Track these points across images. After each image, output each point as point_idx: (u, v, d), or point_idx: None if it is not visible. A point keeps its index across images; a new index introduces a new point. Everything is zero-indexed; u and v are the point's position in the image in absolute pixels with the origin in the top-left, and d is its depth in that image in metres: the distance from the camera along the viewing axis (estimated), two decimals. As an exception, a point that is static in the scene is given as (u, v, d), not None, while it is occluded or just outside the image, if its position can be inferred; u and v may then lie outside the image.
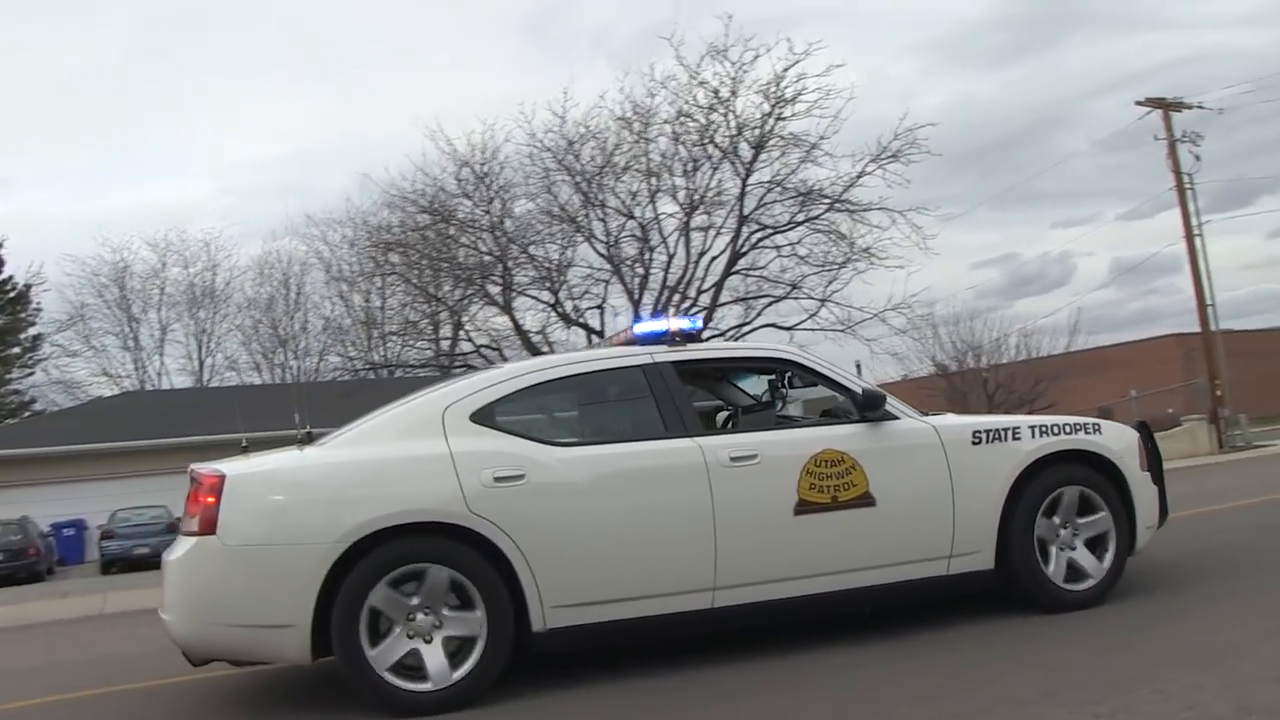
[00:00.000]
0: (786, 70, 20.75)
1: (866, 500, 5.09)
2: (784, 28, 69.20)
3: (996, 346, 34.69)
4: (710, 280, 22.60)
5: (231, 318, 46.12)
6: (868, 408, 5.26)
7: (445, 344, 28.79)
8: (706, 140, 21.60)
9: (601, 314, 23.08)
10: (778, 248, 22.29)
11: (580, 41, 61.15)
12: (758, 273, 22.72)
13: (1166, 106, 26.25)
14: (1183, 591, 5.56)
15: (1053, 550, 5.38)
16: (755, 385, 6.19)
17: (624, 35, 62.03)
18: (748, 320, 23.17)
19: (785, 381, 5.79)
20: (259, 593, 4.50)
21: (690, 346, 5.39)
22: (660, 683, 4.72)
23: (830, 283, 21.94)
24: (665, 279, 22.70)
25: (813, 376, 5.52)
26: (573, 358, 5.43)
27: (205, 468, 4.73)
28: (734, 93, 21.18)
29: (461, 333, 25.39)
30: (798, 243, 22.06)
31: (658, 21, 44.47)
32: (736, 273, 22.63)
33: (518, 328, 23.24)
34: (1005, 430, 5.40)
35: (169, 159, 73.70)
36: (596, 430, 5.32)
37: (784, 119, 21.18)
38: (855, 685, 4.37)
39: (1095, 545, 5.46)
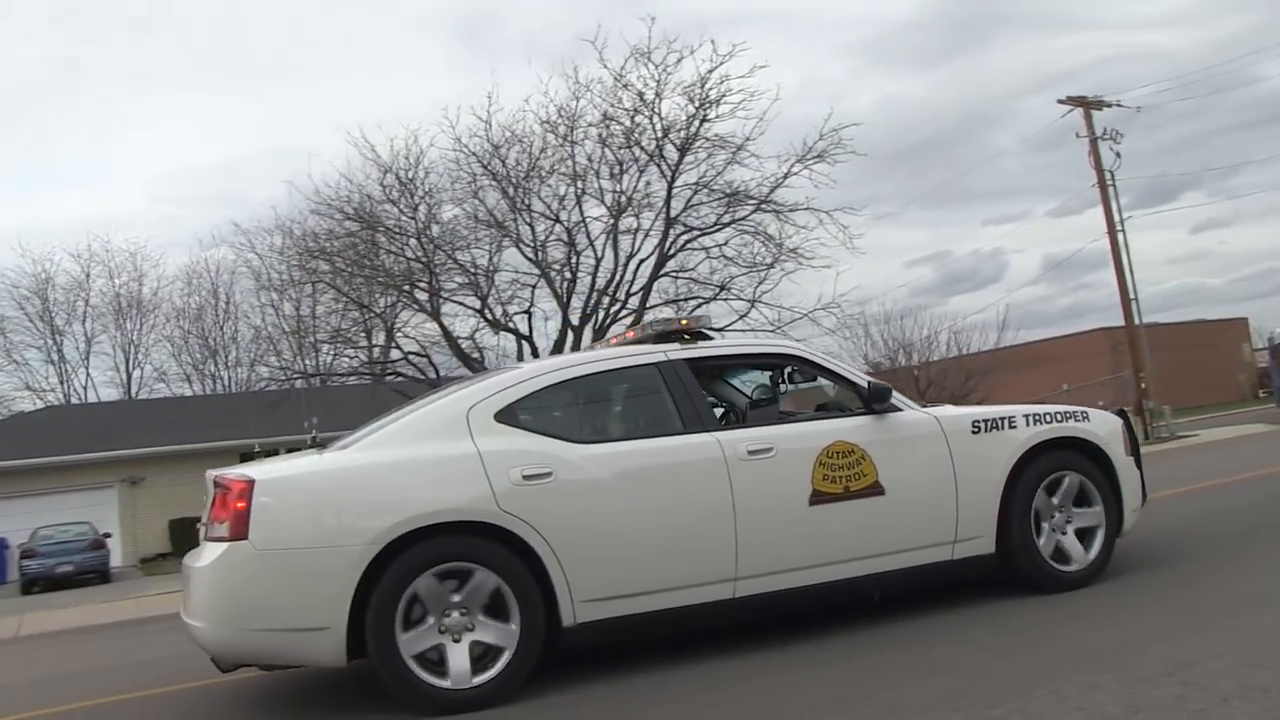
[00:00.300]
0: (711, 72, 20.87)
1: (876, 490, 5.26)
2: (718, 30, 70.08)
3: (927, 344, 35.51)
4: (639, 283, 22.61)
5: (160, 328, 45.15)
6: (875, 400, 5.44)
7: (378, 351, 28.48)
8: (633, 143, 21.65)
9: (529, 319, 22.95)
10: (706, 249, 22.41)
11: (513, 46, 61.04)
12: (687, 275, 22.79)
13: (1087, 105, 27.17)
14: (1091, 587, 5.58)
15: (1048, 533, 5.61)
16: (745, 382, 6.33)
17: (559, 39, 62.05)
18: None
19: (786, 377, 5.94)
20: (293, 596, 4.50)
21: (701, 344, 5.53)
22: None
23: (760, 283, 22.10)
24: (594, 282, 22.66)
25: (820, 371, 5.69)
26: (589, 357, 5.51)
27: (231, 473, 4.71)
28: (658, 95, 21.26)
29: (394, 340, 25.14)
30: (725, 244, 22.21)
31: (591, 27, 44.63)
32: (665, 275, 22.67)
33: (446, 334, 23.05)
34: (1002, 419, 5.62)
35: (96, 168, 71.90)
36: (617, 427, 5.42)
37: (708, 120, 21.33)
38: (761, 695, 4.36)
39: (1086, 528, 5.72)
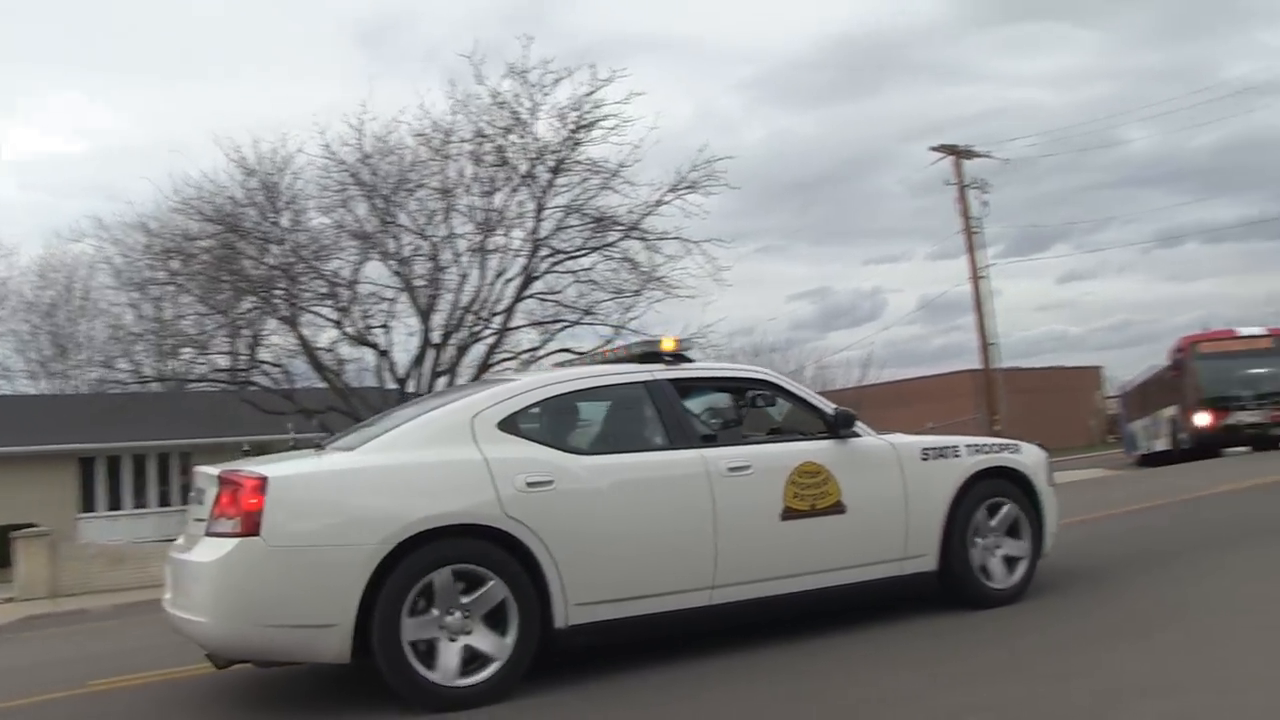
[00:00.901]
0: (588, 95, 21.18)
1: (838, 508, 5.69)
2: (622, 55, 70.86)
3: (793, 378, 36.47)
4: (505, 303, 22.64)
5: (5, 321, 42.40)
6: (841, 425, 5.88)
7: (243, 359, 27.60)
8: (505, 161, 21.72)
9: (388, 332, 22.75)
10: (574, 273, 22.59)
11: (412, 57, 60.10)
12: (553, 298, 22.95)
13: (958, 154, 28.87)
14: (890, 634, 5.68)
15: (983, 555, 6.13)
16: (707, 403, 6.68)
17: (453, 53, 61.34)
18: (543, 344, 23.21)
19: (751, 401, 6.32)
20: (303, 593, 4.59)
21: (684, 366, 5.87)
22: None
23: (627, 310, 22.42)
24: (457, 299, 22.58)
25: (788, 397, 6.10)
26: (582, 373, 5.78)
27: (243, 471, 4.78)
28: (533, 115, 21.44)
29: (258, 348, 24.39)
30: (591, 269, 22.46)
31: (493, 41, 44.46)
32: (531, 296, 22.78)
33: (305, 345, 22.64)
34: (947, 448, 6.15)
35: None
36: (609, 440, 5.67)
37: (580, 144, 21.58)
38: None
39: (1015, 549, 6.26)
